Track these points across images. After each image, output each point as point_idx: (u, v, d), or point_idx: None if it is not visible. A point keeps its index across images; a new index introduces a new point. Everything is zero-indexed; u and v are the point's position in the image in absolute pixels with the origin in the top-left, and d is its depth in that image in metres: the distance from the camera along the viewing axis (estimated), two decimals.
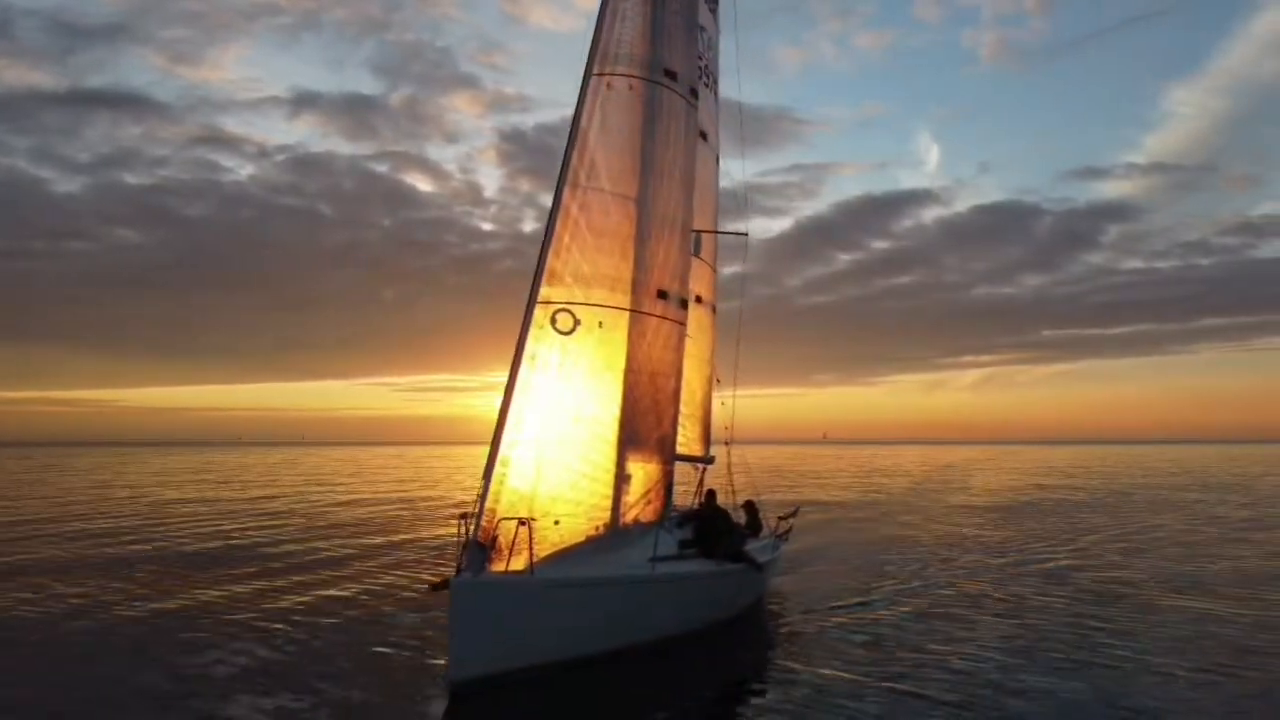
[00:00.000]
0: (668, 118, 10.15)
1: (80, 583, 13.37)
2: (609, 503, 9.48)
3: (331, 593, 12.56)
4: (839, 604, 11.91)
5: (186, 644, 9.41)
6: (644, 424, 9.88)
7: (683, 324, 10.46)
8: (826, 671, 8.49)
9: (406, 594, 12.38)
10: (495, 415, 8.70)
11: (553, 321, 8.87)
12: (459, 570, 7.96)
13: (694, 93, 10.66)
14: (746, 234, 12.84)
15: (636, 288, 9.64)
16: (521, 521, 8.23)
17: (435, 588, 8.07)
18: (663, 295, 9.98)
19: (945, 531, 21.32)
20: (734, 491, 14.93)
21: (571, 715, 7.35)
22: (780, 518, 13.56)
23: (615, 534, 9.62)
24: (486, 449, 8.60)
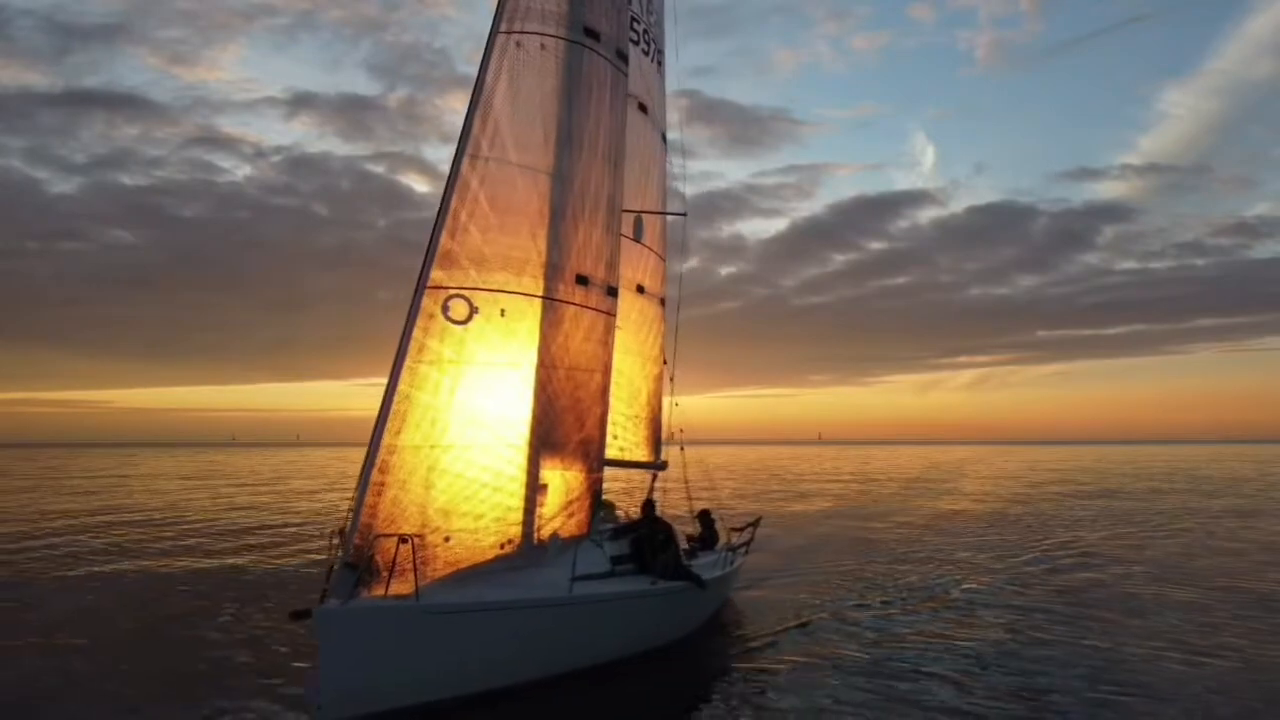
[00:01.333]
0: (590, 83, 9.05)
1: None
2: (519, 515, 8.37)
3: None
4: (804, 621, 10.85)
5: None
6: (562, 426, 8.78)
7: (610, 314, 9.36)
8: (776, 697, 7.67)
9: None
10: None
11: (444, 309, 7.76)
12: (324, 596, 6.88)
13: (622, 56, 9.57)
14: (685, 214, 11.78)
15: (550, 272, 8.54)
16: (403, 539, 7.16)
17: (296, 616, 6.98)
18: (583, 281, 8.89)
19: (934, 534, 20.37)
20: (690, 499, 13.89)
21: None
22: (734, 529, 12.47)
23: (530, 551, 8.53)
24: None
